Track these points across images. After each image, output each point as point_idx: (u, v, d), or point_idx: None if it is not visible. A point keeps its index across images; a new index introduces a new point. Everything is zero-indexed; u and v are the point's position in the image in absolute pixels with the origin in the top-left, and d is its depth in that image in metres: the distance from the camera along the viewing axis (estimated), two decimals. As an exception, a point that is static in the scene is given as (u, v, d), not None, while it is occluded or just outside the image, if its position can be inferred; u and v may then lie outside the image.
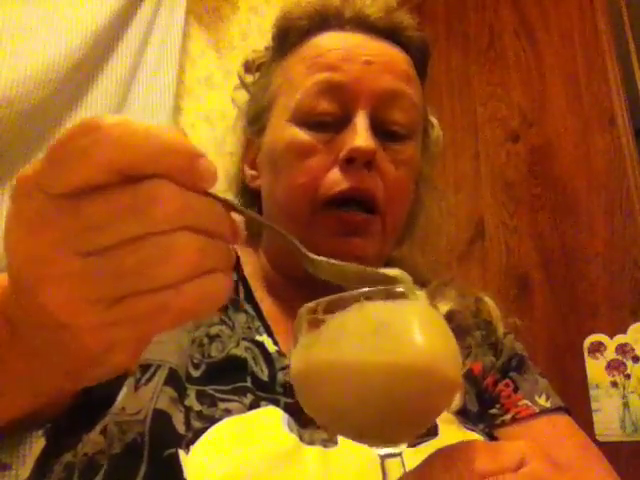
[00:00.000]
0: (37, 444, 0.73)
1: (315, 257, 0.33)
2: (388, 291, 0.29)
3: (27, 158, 0.87)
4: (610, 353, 1.34)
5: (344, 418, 0.30)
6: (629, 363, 1.33)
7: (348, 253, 0.53)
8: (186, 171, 0.25)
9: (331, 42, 0.60)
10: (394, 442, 0.30)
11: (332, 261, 0.33)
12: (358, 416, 0.29)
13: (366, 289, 0.29)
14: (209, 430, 0.44)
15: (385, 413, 0.28)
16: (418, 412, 0.29)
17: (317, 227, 0.55)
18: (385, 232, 0.57)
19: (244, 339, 0.53)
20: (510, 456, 0.30)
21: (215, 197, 0.26)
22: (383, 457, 0.30)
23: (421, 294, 0.30)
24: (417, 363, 0.27)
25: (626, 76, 1.54)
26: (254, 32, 1.44)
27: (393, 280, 0.33)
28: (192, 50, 1.30)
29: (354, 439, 0.32)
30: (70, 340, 0.26)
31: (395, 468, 0.30)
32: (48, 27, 0.92)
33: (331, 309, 0.29)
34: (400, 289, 0.29)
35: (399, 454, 0.30)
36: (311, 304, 0.31)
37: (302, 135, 0.56)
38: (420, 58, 0.65)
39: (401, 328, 0.28)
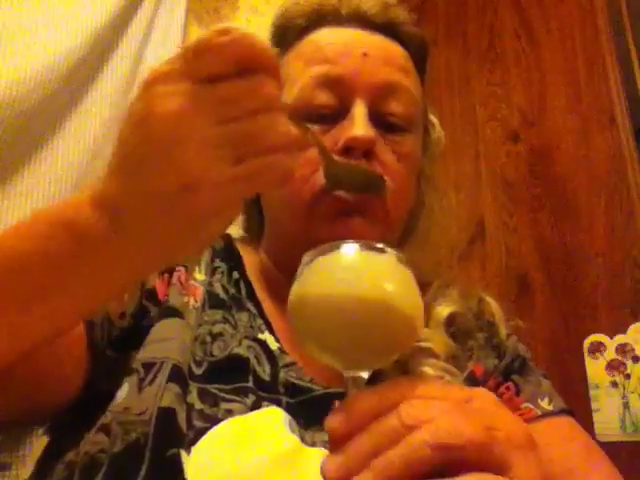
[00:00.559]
0: (37, 444, 0.73)
1: (336, 157, 0.46)
2: (367, 244, 0.36)
3: (27, 158, 0.87)
4: (610, 353, 1.34)
5: (321, 341, 0.36)
6: (629, 363, 1.33)
7: (349, 233, 0.52)
8: (278, 73, 0.34)
9: (328, 37, 0.60)
10: (361, 367, 0.36)
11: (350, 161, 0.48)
12: (332, 340, 0.36)
13: (351, 240, 0.36)
14: (210, 431, 0.44)
15: (352, 339, 0.35)
16: (380, 341, 0.35)
17: (318, 211, 0.54)
18: (387, 218, 0.57)
19: (246, 337, 0.53)
20: (460, 392, 0.34)
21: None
22: (348, 379, 0.36)
23: (391, 251, 0.36)
24: (377, 297, 0.34)
25: (626, 76, 1.54)
26: (254, 32, 1.44)
27: None
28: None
29: (328, 361, 0.37)
30: (190, 196, 0.32)
31: (355, 389, 0.36)
32: (48, 27, 0.92)
33: (322, 253, 0.37)
34: (379, 245, 0.36)
35: (362, 377, 0.36)
36: (310, 250, 0.37)
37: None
38: (418, 54, 0.65)
39: (370, 270, 0.36)
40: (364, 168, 0.54)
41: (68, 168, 0.91)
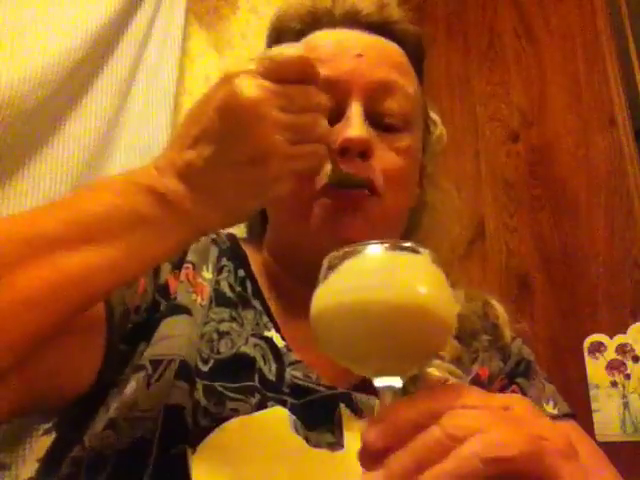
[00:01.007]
0: (36, 444, 0.73)
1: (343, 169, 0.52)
2: (396, 244, 0.34)
3: (27, 158, 0.87)
4: (610, 353, 1.34)
5: (350, 350, 0.34)
6: (629, 363, 1.33)
7: (349, 231, 0.53)
8: (322, 85, 0.45)
9: (322, 39, 0.60)
10: (392, 374, 0.34)
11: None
12: (363, 349, 0.33)
13: (376, 241, 0.34)
14: (216, 430, 0.44)
15: (387, 346, 0.33)
16: (417, 346, 0.34)
17: (315, 210, 0.54)
18: (386, 216, 0.56)
19: (253, 335, 0.54)
20: (499, 400, 0.33)
21: None
22: (381, 388, 0.34)
23: (425, 251, 0.34)
24: (412, 302, 0.32)
25: (626, 76, 1.54)
26: (254, 32, 1.44)
27: None
28: (192, 50, 1.30)
29: (357, 370, 0.36)
30: (260, 167, 0.41)
31: (390, 399, 0.34)
32: (48, 27, 0.92)
33: (347, 257, 0.34)
34: (407, 244, 0.34)
35: (394, 388, 0.34)
36: (333, 253, 0.35)
37: None
38: (415, 52, 0.64)
39: (402, 272, 0.33)
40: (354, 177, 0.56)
41: (68, 168, 0.91)
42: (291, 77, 0.43)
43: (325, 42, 0.60)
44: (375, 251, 0.34)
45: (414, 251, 0.34)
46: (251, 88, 0.41)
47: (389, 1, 0.64)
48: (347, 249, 0.35)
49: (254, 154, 0.41)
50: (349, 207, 0.54)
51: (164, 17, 1.20)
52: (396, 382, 0.34)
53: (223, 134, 0.41)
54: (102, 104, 1.01)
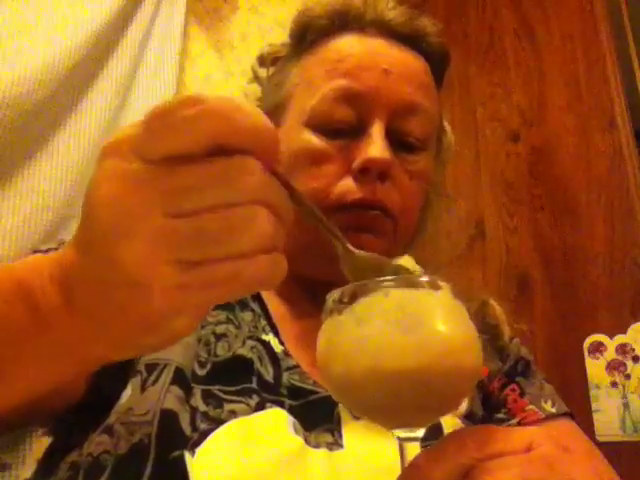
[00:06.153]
0: (36, 444, 0.73)
1: (355, 251, 0.35)
2: (411, 280, 0.30)
3: (27, 158, 0.87)
4: (610, 353, 1.34)
5: (371, 408, 0.31)
6: (629, 363, 1.33)
7: (358, 246, 0.53)
8: (270, 152, 0.27)
9: (351, 46, 0.59)
10: (415, 426, 0.32)
11: (372, 255, 0.36)
12: (386, 407, 0.30)
13: (390, 277, 0.30)
14: (215, 432, 0.44)
15: (409, 403, 0.30)
16: (443, 401, 0.31)
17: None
18: (396, 235, 0.58)
19: (250, 338, 0.53)
20: (521, 438, 0.31)
21: (282, 180, 0.28)
22: (401, 440, 0.31)
23: (445, 285, 0.31)
24: (446, 360, 0.29)
25: (626, 76, 1.54)
26: (254, 32, 1.44)
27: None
28: (192, 50, 1.30)
29: (374, 421, 0.33)
30: (138, 300, 0.27)
31: (413, 451, 0.31)
32: (48, 27, 0.92)
33: (356, 296, 0.30)
34: (425, 278, 0.30)
35: (418, 438, 0.32)
36: (337, 291, 0.31)
37: (317, 141, 0.56)
38: (439, 65, 0.64)
39: (427, 321, 0.29)
40: (383, 261, 0.48)
41: (68, 168, 0.91)
42: (192, 147, 0.26)
43: (352, 51, 0.58)
44: (393, 294, 0.29)
45: (434, 287, 0.30)
46: (110, 180, 0.26)
47: (419, 13, 0.63)
48: (355, 286, 0.31)
49: (124, 279, 0.26)
50: (363, 225, 0.55)
51: (164, 17, 1.20)
52: (419, 433, 0.32)
53: (89, 243, 0.28)
54: (102, 104, 1.01)
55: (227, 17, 1.40)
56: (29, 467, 0.73)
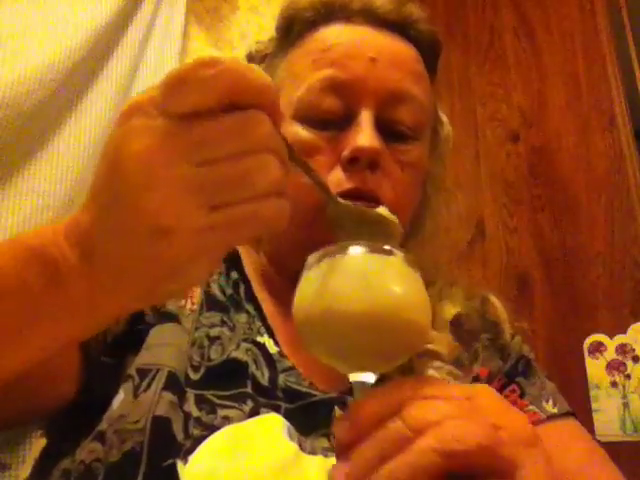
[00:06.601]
0: (36, 444, 0.73)
1: (341, 201, 0.41)
2: (374, 246, 0.35)
3: (27, 158, 0.87)
4: (610, 353, 1.34)
5: (328, 347, 0.36)
6: (629, 363, 1.33)
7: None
8: (275, 108, 0.31)
9: (337, 36, 0.58)
10: (368, 370, 0.36)
11: (355, 204, 0.43)
12: (339, 346, 0.35)
13: (356, 243, 0.35)
14: (208, 439, 0.43)
15: (361, 344, 0.34)
16: (389, 346, 0.35)
17: (322, 218, 0.54)
18: None
19: (245, 340, 0.52)
20: (461, 390, 0.34)
21: (282, 136, 0.32)
22: (355, 384, 0.36)
23: (399, 253, 0.36)
24: (387, 303, 0.34)
25: (626, 76, 1.54)
26: (254, 32, 1.44)
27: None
28: (192, 50, 1.30)
29: (334, 365, 0.37)
30: (164, 246, 0.29)
31: (362, 394, 0.36)
32: (48, 27, 0.92)
33: (328, 256, 0.36)
34: (386, 247, 0.35)
35: (368, 383, 0.36)
36: (314, 254, 0.37)
37: (304, 133, 0.55)
38: (430, 53, 0.63)
39: (378, 274, 0.35)
40: (371, 213, 0.49)
41: (68, 168, 0.91)
42: (209, 103, 0.29)
43: (339, 40, 0.57)
44: (354, 252, 0.35)
45: (390, 253, 0.35)
46: (137, 136, 0.29)
47: (408, 1, 0.61)
48: (328, 248, 0.36)
49: (151, 226, 0.28)
50: None
51: (164, 17, 1.20)
52: (369, 378, 0.36)
53: (114, 198, 0.30)
54: (102, 104, 1.01)
55: (227, 17, 1.40)
56: (29, 467, 0.73)
